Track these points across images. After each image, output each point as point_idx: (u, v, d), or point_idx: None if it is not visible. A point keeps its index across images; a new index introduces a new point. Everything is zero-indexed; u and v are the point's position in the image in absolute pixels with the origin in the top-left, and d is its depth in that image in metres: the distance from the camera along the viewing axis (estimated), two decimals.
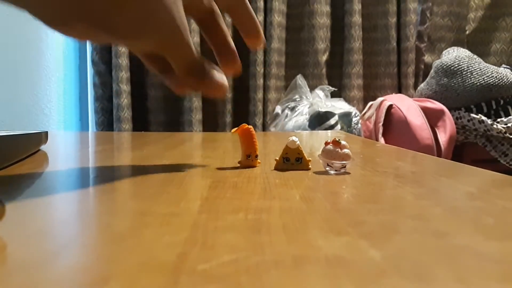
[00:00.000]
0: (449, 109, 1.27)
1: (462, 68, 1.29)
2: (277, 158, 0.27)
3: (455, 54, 1.34)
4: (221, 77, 0.24)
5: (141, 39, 0.21)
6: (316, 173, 0.25)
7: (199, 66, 0.23)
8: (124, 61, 1.25)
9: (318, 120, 1.21)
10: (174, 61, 0.23)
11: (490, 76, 1.26)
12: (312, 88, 1.37)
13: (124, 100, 1.26)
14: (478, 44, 1.56)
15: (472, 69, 1.28)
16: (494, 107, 1.27)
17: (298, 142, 0.26)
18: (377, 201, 0.18)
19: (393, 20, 1.45)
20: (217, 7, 0.27)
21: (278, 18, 1.36)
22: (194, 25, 1.27)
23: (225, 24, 0.27)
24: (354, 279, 0.10)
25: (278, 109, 1.34)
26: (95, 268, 0.10)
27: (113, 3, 0.18)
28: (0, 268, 0.10)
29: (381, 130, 1.23)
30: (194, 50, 0.23)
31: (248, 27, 0.27)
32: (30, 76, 1.12)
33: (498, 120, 1.25)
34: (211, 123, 1.39)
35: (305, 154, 0.26)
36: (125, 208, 0.17)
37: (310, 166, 0.27)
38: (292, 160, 0.26)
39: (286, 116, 1.28)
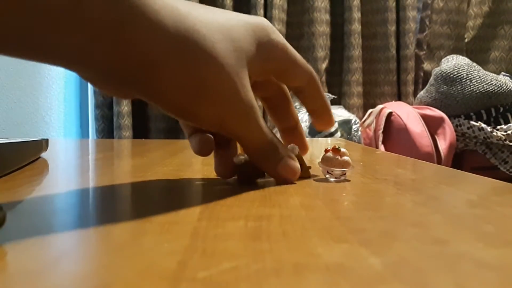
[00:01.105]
0: (449, 117, 1.28)
1: (462, 75, 1.29)
2: None
3: (454, 62, 1.35)
4: (295, 164, 0.23)
5: (203, 122, 0.19)
6: (316, 180, 0.25)
7: (272, 150, 0.22)
8: None
9: None
10: (242, 144, 0.21)
11: (490, 83, 1.27)
12: None
13: (125, 107, 1.27)
14: (477, 52, 1.57)
15: (472, 76, 1.28)
16: (494, 114, 1.28)
17: (298, 150, 0.26)
18: (377, 208, 0.18)
19: (392, 28, 1.46)
20: (287, 90, 0.26)
21: (278, 27, 1.38)
22: None
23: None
24: (354, 287, 0.10)
25: None
26: (95, 276, 0.10)
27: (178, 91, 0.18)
28: (0, 275, 0.10)
29: (381, 138, 1.23)
30: (267, 132, 0.21)
31: (320, 111, 0.26)
32: (31, 84, 1.12)
33: (498, 127, 1.25)
34: None
35: (305, 162, 0.26)
36: (125, 215, 0.17)
37: (310, 174, 0.27)
38: None
39: None
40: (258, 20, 0.21)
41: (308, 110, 0.27)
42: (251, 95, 0.20)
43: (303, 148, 0.27)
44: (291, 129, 0.26)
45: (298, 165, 0.23)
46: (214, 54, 0.17)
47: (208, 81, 0.18)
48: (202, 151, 0.23)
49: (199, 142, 0.23)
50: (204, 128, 0.22)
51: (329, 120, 0.27)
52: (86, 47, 0.15)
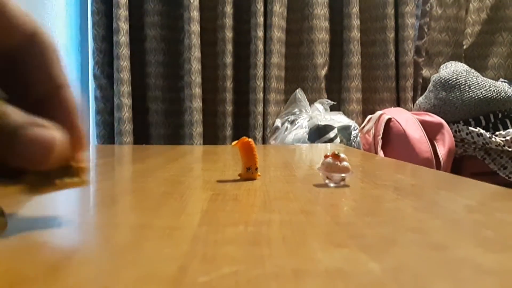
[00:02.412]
0: (448, 123, 1.28)
1: (460, 82, 1.30)
2: None
3: (453, 68, 1.36)
4: (46, 133, 0.13)
5: None
6: (316, 186, 0.25)
7: None
8: (125, 75, 1.27)
9: (318, 133, 1.21)
10: None
11: (488, 90, 1.27)
12: (311, 101, 1.38)
13: (125, 113, 1.27)
14: (475, 58, 1.58)
15: (470, 83, 1.29)
16: (492, 120, 1.28)
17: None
18: (377, 213, 0.18)
19: (391, 35, 1.47)
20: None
21: (278, 34, 1.39)
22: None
23: None
24: None
25: (278, 122, 1.35)
26: (96, 282, 0.10)
27: None
28: (1, 281, 0.10)
29: (380, 143, 1.24)
30: None
31: (48, 99, 0.15)
32: None
33: (497, 133, 1.25)
34: (212, 136, 1.39)
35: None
36: (125, 221, 0.17)
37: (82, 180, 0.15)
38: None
39: (286, 129, 1.29)
40: None
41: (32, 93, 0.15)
42: None
43: (72, 115, 0.15)
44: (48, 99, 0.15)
45: (54, 134, 0.14)
46: None
47: None
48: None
49: None
50: None
51: (73, 113, 0.15)
52: None
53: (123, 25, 1.25)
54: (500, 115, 1.28)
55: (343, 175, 0.25)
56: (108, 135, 1.32)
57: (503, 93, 1.27)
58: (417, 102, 1.44)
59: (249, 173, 0.27)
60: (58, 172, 0.15)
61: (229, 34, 1.34)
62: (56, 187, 0.15)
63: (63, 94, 0.15)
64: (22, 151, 0.13)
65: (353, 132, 1.24)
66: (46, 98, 0.15)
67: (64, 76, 0.15)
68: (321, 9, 1.44)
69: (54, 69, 0.15)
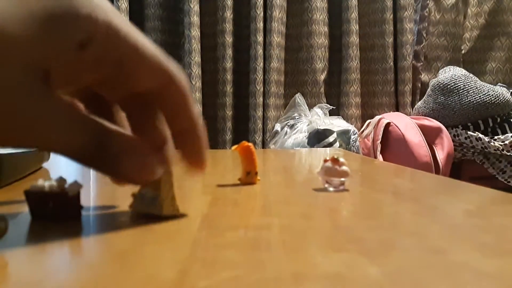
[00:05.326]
0: (446, 127, 1.28)
1: (459, 86, 1.31)
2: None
3: (451, 73, 1.36)
4: (143, 159, 0.16)
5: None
6: (315, 190, 0.25)
7: (101, 147, 0.14)
8: None
9: (317, 138, 1.21)
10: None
11: (487, 94, 1.28)
12: (310, 106, 1.38)
13: None
14: (473, 63, 1.59)
15: (469, 87, 1.30)
16: (491, 124, 1.29)
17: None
18: (376, 218, 0.18)
19: (390, 40, 1.48)
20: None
21: (277, 39, 1.39)
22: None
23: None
24: None
25: (277, 126, 1.35)
26: (97, 285, 0.10)
27: None
28: (2, 285, 0.10)
29: (379, 148, 1.24)
30: (84, 129, 0.14)
31: (186, 138, 0.18)
32: None
33: (495, 137, 1.26)
34: (212, 141, 1.39)
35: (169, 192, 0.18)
36: (125, 225, 0.17)
37: (178, 213, 0.18)
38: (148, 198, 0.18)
39: (286, 133, 1.29)
40: None
41: (172, 133, 0.18)
42: (43, 103, 0.13)
43: (197, 159, 0.18)
44: (184, 132, 0.18)
45: (149, 161, 0.16)
46: None
47: None
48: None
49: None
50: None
51: (198, 155, 0.18)
52: None
53: None
54: (498, 120, 1.29)
55: (342, 179, 0.25)
56: None
57: (501, 98, 1.27)
58: (416, 106, 1.45)
59: (249, 178, 0.28)
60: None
61: (229, 39, 1.35)
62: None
63: (194, 133, 0.18)
64: (123, 172, 0.15)
65: (352, 137, 1.24)
66: (183, 141, 0.18)
67: (195, 117, 0.17)
68: (320, 15, 1.45)
69: (190, 111, 0.17)
